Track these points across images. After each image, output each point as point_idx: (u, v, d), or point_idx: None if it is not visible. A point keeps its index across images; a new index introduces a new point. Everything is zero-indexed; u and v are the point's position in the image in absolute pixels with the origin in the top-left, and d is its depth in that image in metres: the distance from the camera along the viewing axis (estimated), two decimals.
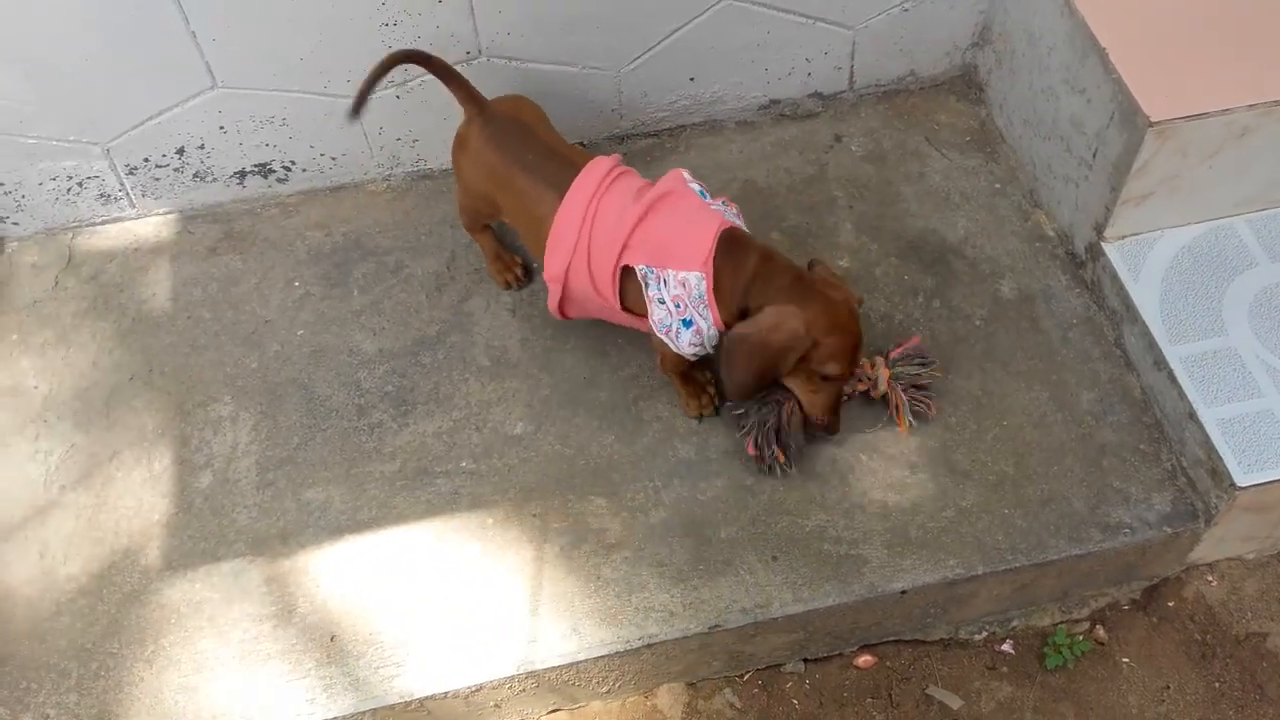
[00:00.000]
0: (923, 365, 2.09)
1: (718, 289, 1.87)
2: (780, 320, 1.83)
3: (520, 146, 2.01)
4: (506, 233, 2.32)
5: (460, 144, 2.10)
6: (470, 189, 2.12)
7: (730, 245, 1.88)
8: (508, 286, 2.28)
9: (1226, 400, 1.97)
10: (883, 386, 2.06)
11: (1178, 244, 2.18)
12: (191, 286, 2.35)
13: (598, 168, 1.96)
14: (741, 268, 1.87)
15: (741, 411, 2.03)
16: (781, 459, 1.99)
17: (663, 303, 1.89)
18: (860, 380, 2.07)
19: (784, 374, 1.89)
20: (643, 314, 1.94)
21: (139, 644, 1.89)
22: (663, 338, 1.93)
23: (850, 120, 2.58)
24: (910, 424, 2.07)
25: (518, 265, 2.28)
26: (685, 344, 1.91)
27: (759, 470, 2.03)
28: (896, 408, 2.07)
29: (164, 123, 2.29)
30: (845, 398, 2.03)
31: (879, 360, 2.08)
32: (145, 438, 2.13)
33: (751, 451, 2.00)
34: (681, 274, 1.86)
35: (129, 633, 1.91)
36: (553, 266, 1.97)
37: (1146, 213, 2.15)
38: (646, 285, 1.90)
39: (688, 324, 1.89)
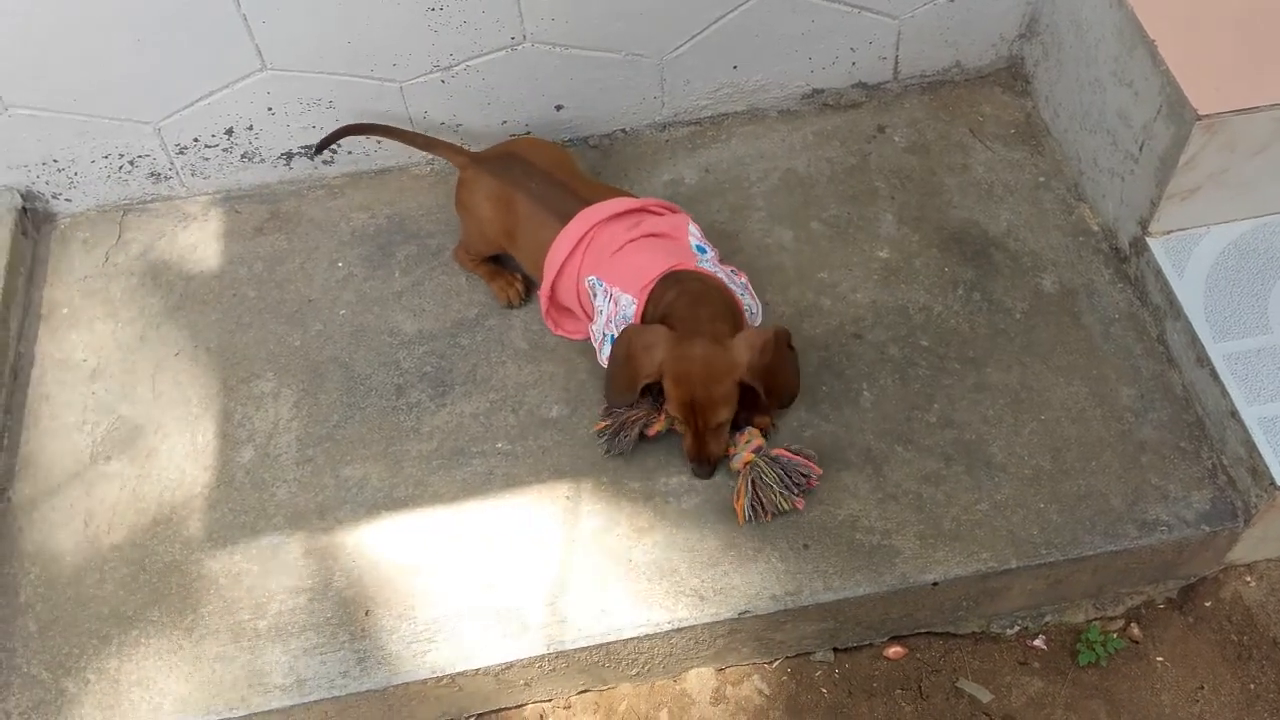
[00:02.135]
0: (786, 483, 1.93)
1: (644, 316, 1.96)
2: (654, 340, 1.89)
3: (521, 175, 2.14)
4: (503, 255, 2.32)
5: (460, 186, 2.24)
6: (478, 216, 2.19)
7: (668, 280, 1.96)
8: (510, 304, 2.27)
9: (1270, 399, 1.95)
10: (737, 464, 1.96)
11: (1224, 240, 2.15)
12: (237, 265, 2.38)
13: (617, 205, 2.06)
14: (662, 299, 1.94)
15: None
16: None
17: (601, 313, 2.00)
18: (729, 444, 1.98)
19: (637, 390, 1.92)
20: None
21: (179, 613, 1.93)
22: (595, 344, 2.05)
23: (894, 111, 2.57)
24: (748, 518, 1.94)
25: (518, 282, 2.27)
26: (605, 357, 2.00)
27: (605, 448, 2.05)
28: (739, 494, 1.95)
29: (214, 103, 2.33)
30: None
31: (756, 439, 1.97)
32: (189, 412, 2.17)
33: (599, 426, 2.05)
34: (619, 293, 1.97)
35: (169, 602, 1.94)
36: (545, 285, 2.11)
37: (1193, 208, 2.12)
38: (594, 295, 2.01)
39: (612, 339, 1.97)
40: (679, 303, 1.93)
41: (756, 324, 2.07)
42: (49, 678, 1.88)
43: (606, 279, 2.00)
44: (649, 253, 2.00)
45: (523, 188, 2.13)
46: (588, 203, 2.07)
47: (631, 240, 2.01)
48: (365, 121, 2.35)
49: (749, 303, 2.05)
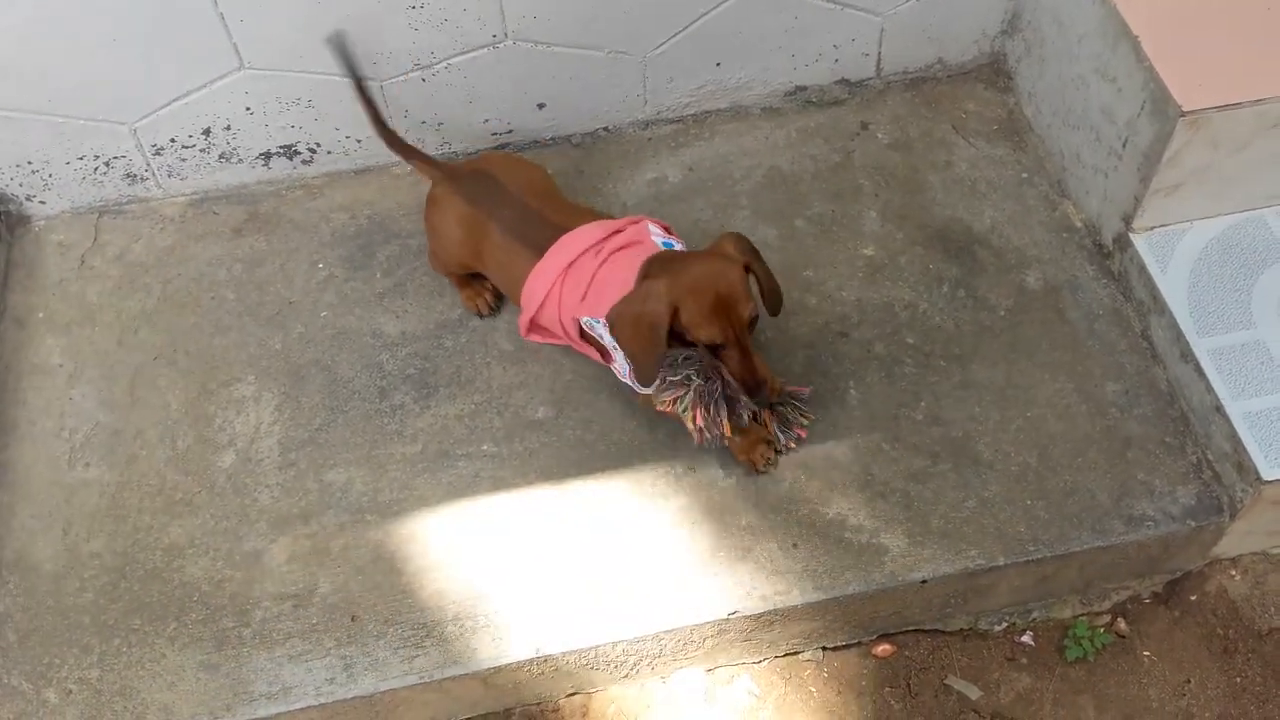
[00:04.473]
0: (800, 412, 2.04)
1: None
2: (646, 292, 1.81)
3: (494, 201, 2.09)
4: None
5: (430, 203, 2.19)
6: (447, 239, 2.15)
7: (640, 272, 1.89)
8: (479, 313, 2.24)
9: (1254, 393, 1.96)
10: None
11: (1207, 235, 2.15)
12: (216, 267, 2.36)
13: (587, 236, 1.99)
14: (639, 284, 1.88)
15: (676, 384, 1.92)
16: (728, 431, 1.90)
17: (616, 349, 1.92)
18: None
19: (663, 345, 1.81)
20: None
21: (161, 621, 1.91)
22: (629, 383, 1.97)
23: (877, 108, 2.56)
24: (780, 448, 2.03)
25: (487, 291, 2.24)
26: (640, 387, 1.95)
27: (701, 448, 1.98)
28: (766, 423, 2.02)
29: (191, 103, 2.30)
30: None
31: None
32: (169, 417, 2.14)
33: (699, 423, 1.90)
34: None
35: (151, 610, 1.92)
36: (524, 316, 2.08)
37: (1176, 203, 2.12)
38: (602, 336, 1.95)
39: None
40: (650, 269, 1.87)
41: None
42: (30, 689, 1.85)
43: (594, 313, 1.94)
44: (621, 270, 1.93)
45: (495, 216, 2.07)
46: (561, 229, 2.02)
47: (601, 265, 1.96)
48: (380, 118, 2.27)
49: None
